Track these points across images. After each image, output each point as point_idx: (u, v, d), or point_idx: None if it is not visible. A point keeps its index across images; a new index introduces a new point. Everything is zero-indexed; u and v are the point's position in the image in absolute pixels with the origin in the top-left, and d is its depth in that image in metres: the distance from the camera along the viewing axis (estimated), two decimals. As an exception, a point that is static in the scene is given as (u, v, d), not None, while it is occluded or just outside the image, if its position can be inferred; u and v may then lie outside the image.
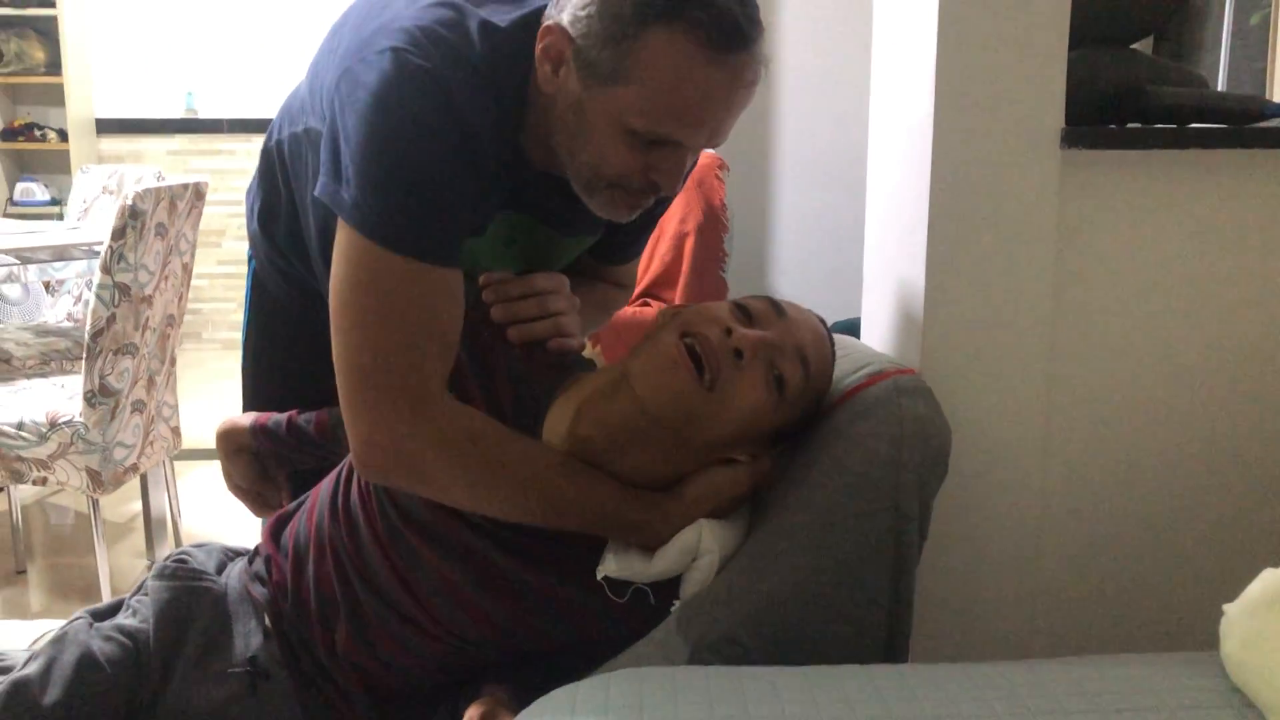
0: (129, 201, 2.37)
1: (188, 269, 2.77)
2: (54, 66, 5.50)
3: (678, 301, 3.16)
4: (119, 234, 2.37)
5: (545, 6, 1.17)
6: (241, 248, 5.76)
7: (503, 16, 1.18)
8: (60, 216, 5.40)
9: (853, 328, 1.68)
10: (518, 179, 1.24)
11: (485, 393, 1.20)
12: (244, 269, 4.92)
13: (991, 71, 1.25)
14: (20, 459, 2.49)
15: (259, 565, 1.31)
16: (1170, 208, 1.32)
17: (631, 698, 0.95)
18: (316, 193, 1.17)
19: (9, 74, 5.50)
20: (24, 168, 5.72)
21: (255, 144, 5.72)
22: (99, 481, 2.50)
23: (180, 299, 2.77)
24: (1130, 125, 1.39)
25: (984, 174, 1.27)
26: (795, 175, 3.63)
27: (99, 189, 3.58)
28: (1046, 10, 1.24)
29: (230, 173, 5.79)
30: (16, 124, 5.61)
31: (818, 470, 1.14)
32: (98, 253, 2.79)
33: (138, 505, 3.20)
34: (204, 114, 5.77)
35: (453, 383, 1.17)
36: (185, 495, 3.33)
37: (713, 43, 1.08)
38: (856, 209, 1.64)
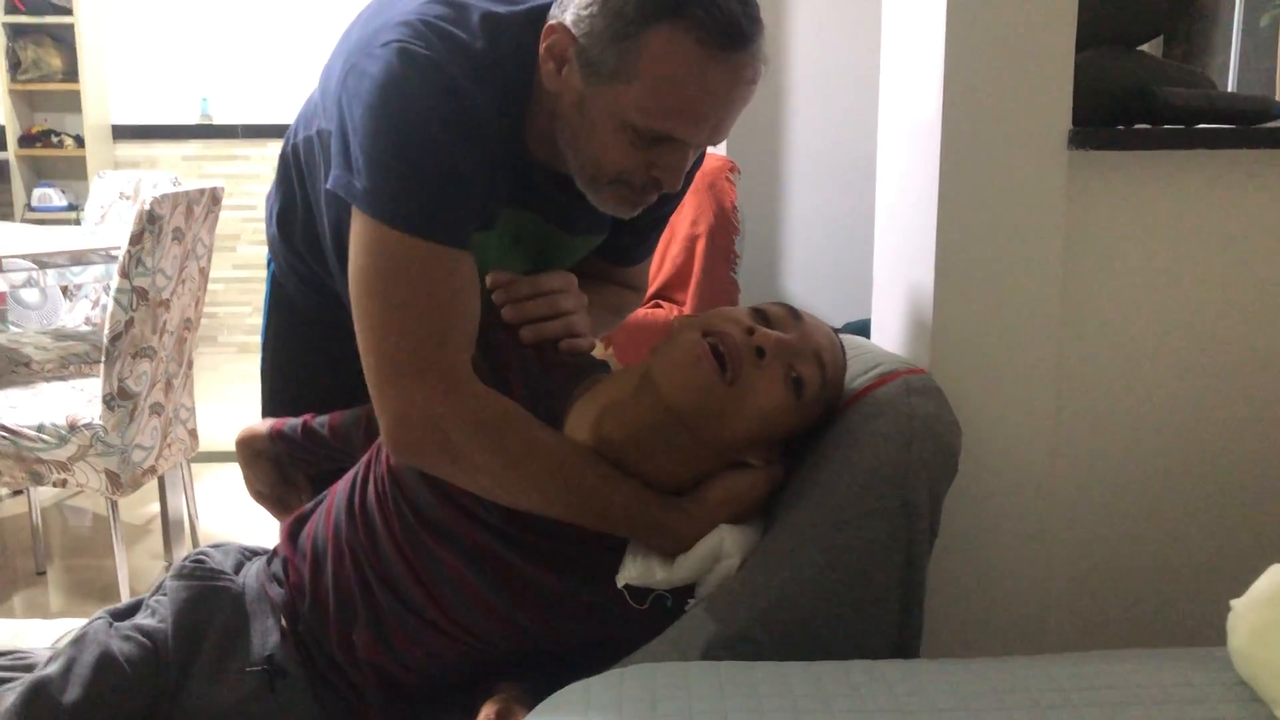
0: (146, 206, 2.39)
1: (204, 273, 2.79)
2: (71, 73, 5.54)
3: (689, 302, 3.17)
4: (137, 239, 2.40)
5: (549, 4, 1.19)
6: (256, 252, 5.82)
7: (504, 10, 1.20)
8: (77, 222, 5.44)
9: (863, 328, 1.69)
10: (521, 174, 1.26)
11: (501, 392, 1.21)
12: (259, 273, 4.97)
13: (999, 73, 1.26)
14: (40, 461, 2.51)
15: (276, 566, 1.33)
16: (1178, 208, 1.33)
17: (644, 693, 0.96)
18: (329, 185, 1.19)
19: (27, 81, 5.54)
20: (41, 173, 5.76)
21: (269, 149, 5.76)
22: (118, 483, 2.52)
23: (197, 303, 2.79)
24: (1138, 126, 1.39)
25: (992, 175, 1.28)
26: (805, 177, 3.63)
27: (116, 194, 3.60)
28: (1054, 12, 1.25)
29: (245, 178, 5.83)
30: (34, 130, 5.65)
31: (829, 469, 1.15)
32: (115, 257, 2.82)
33: (155, 507, 3.22)
34: (219, 120, 5.80)
35: None
36: (202, 497, 3.35)
37: (713, 41, 1.09)
38: (866, 210, 1.65)
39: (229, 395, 4.87)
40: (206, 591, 1.29)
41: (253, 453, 1.48)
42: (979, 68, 1.26)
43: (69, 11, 5.44)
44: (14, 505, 3.54)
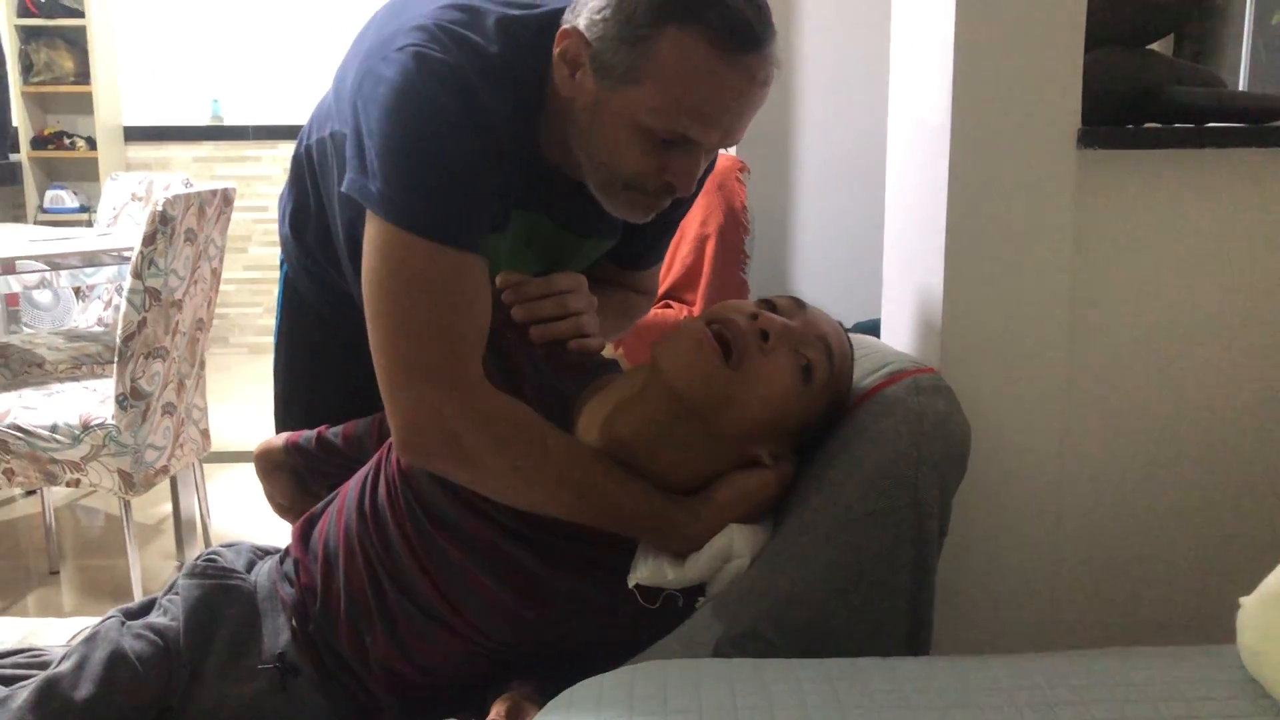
0: (159, 207, 2.40)
1: (216, 273, 2.81)
2: (83, 75, 5.57)
3: (698, 303, 3.18)
4: (149, 239, 2.41)
5: (563, 9, 1.19)
6: (267, 253, 5.84)
7: (519, 14, 1.21)
8: (89, 223, 5.47)
9: (873, 328, 1.69)
10: (535, 177, 1.26)
11: (512, 393, 1.22)
12: (270, 274, 4.98)
13: (1009, 72, 1.26)
14: (54, 461, 2.53)
15: (288, 566, 1.33)
16: (1188, 207, 1.33)
17: (655, 690, 0.96)
18: (344, 188, 1.19)
19: (39, 83, 5.58)
20: (54, 175, 5.79)
21: (280, 150, 5.78)
22: (130, 483, 2.54)
23: (209, 303, 2.81)
24: (1148, 125, 1.39)
25: (1002, 174, 1.28)
26: (815, 177, 3.64)
27: (128, 196, 3.62)
28: (1063, 11, 1.25)
29: (256, 179, 5.85)
30: (46, 132, 5.68)
31: (839, 467, 1.15)
32: (127, 258, 2.84)
33: (168, 507, 3.24)
34: (230, 121, 5.83)
35: None
36: (214, 497, 3.37)
37: (725, 43, 1.10)
38: (876, 210, 1.65)
39: (241, 396, 4.89)
40: (218, 590, 1.30)
41: (271, 465, 1.49)
42: (988, 67, 1.26)
43: (81, 14, 5.47)
44: (27, 505, 3.57)
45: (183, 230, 2.50)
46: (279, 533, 1.49)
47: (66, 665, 1.21)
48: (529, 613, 1.18)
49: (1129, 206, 1.32)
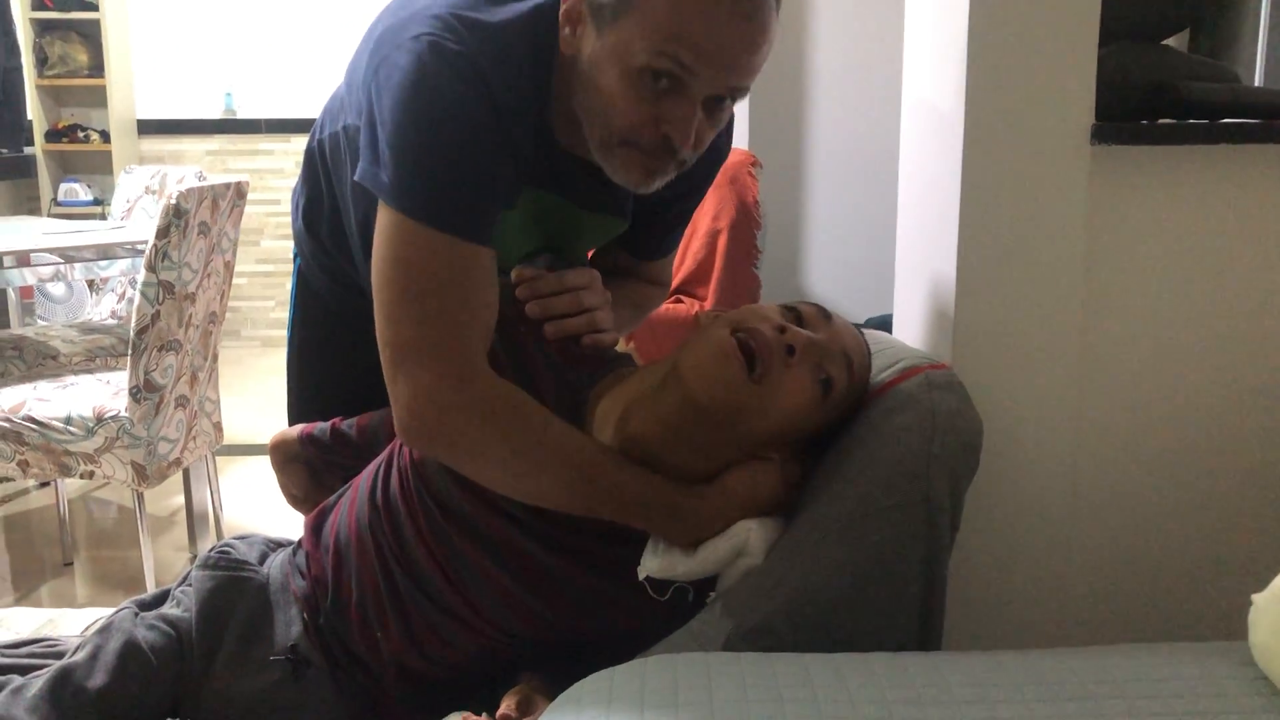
0: (173, 201, 2.41)
1: (229, 266, 2.82)
2: (96, 69, 5.60)
3: (710, 298, 3.18)
4: (163, 233, 2.42)
5: None
6: (279, 246, 5.86)
7: None
8: (103, 216, 5.49)
9: (884, 324, 1.69)
10: (546, 157, 1.26)
11: (526, 387, 1.22)
12: (282, 267, 5.00)
13: (1022, 68, 1.26)
14: (68, 453, 2.54)
15: (300, 558, 1.34)
16: (1201, 203, 1.33)
17: (667, 683, 0.97)
18: (356, 177, 1.20)
19: (53, 76, 5.60)
20: (68, 168, 5.82)
21: (293, 144, 5.80)
22: (143, 475, 2.55)
23: (222, 296, 2.82)
24: (1162, 121, 1.39)
25: (1015, 170, 1.28)
26: (828, 172, 3.63)
27: (141, 189, 3.64)
28: (1077, 6, 1.25)
29: (268, 172, 5.87)
30: (60, 125, 5.71)
31: (851, 463, 1.15)
32: (141, 251, 2.85)
33: (180, 499, 3.26)
34: (243, 114, 5.85)
35: None
36: (226, 489, 3.38)
37: None
38: (888, 205, 1.65)
39: (253, 389, 4.91)
40: (230, 582, 1.31)
41: (285, 458, 1.50)
42: (1002, 62, 1.26)
43: (95, 7, 5.50)
44: (41, 497, 3.59)
45: (196, 223, 2.51)
46: (291, 525, 1.50)
47: (81, 655, 1.22)
48: (540, 605, 1.19)
49: (1142, 202, 1.32)
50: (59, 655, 1.32)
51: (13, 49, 5.12)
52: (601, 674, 1.00)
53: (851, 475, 1.15)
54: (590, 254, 1.52)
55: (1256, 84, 2.28)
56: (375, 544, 1.25)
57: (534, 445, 1.15)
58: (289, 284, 1.63)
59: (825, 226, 3.67)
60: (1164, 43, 1.46)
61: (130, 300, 3.58)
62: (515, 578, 1.18)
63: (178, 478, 2.89)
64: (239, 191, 2.74)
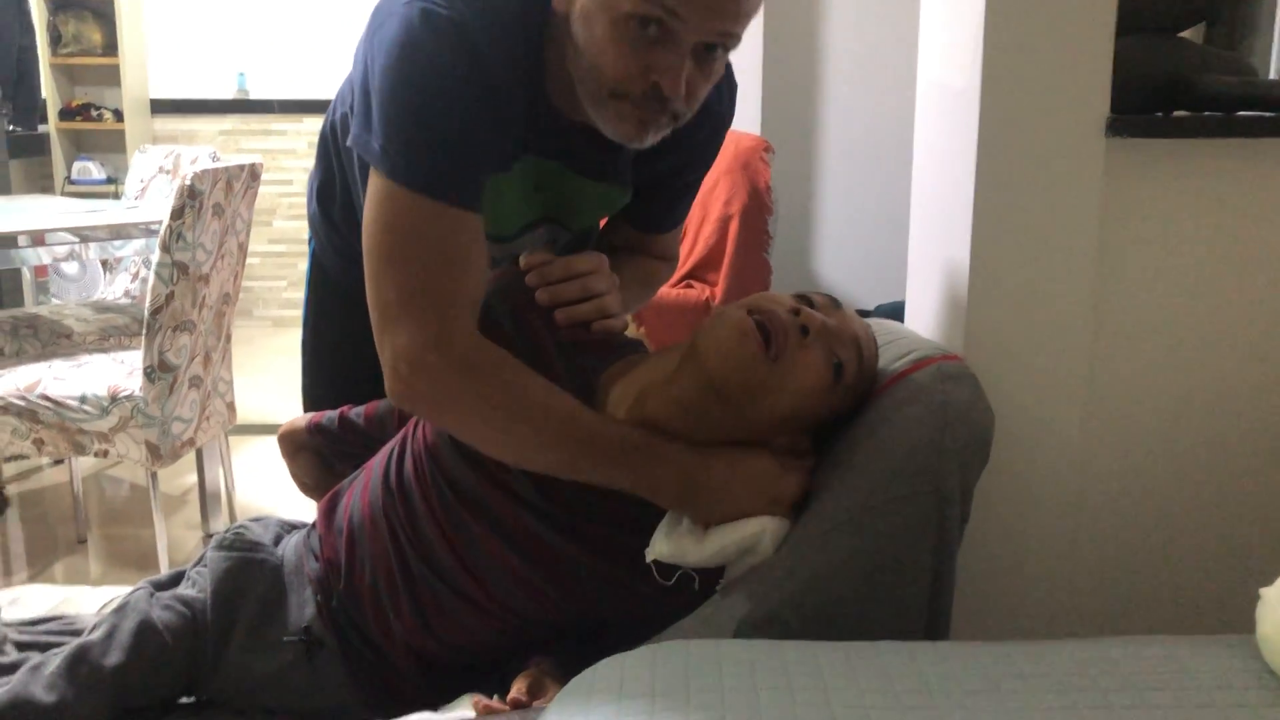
0: (187, 182, 2.42)
1: (243, 247, 2.83)
2: (110, 48, 5.60)
3: (721, 283, 3.18)
4: (178, 214, 2.43)
5: None
6: (292, 227, 5.87)
7: None
8: (116, 195, 5.50)
9: (896, 311, 1.69)
10: (545, 123, 1.26)
11: (540, 371, 1.23)
12: (295, 247, 5.00)
13: (1038, 60, 1.26)
14: (82, 432, 2.56)
15: (314, 540, 1.35)
16: (1216, 197, 1.32)
17: (677, 669, 0.98)
18: (349, 142, 1.22)
19: (67, 55, 5.61)
20: (81, 147, 5.83)
21: (305, 124, 5.80)
22: (157, 454, 2.57)
23: (236, 277, 2.83)
24: (1177, 114, 1.39)
25: (1029, 162, 1.28)
26: (840, 157, 3.62)
27: (155, 169, 3.65)
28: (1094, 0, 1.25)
29: (281, 153, 5.87)
30: (74, 104, 5.72)
31: (862, 454, 1.16)
32: (155, 232, 2.86)
33: (193, 478, 3.28)
34: (255, 95, 5.85)
35: None
36: (239, 468, 3.40)
37: None
38: (900, 191, 1.65)
39: (265, 368, 4.93)
40: (245, 563, 1.32)
41: (294, 446, 1.51)
42: (1018, 53, 1.26)
43: (109, -14, 5.50)
44: (55, 474, 3.61)
45: (210, 204, 2.51)
46: (303, 505, 1.51)
47: (97, 634, 1.23)
48: (552, 589, 1.20)
49: (1156, 195, 1.32)
50: (75, 633, 1.33)
51: (27, 27, 5.13)
52: (612, 660, 1.01)
53: (862, 466, 1.15)
54: (602, 223, 1.52)
55: (1272, 77, 2.27)
56: (389, 526, 1.26)
57: (514, 404, 1.16)
58: (301, 265, 1.64)
59: (837, 212, 3.67)
60: (1179, 35, 1.46)
61: (144, 280, 3.59)
62: (527, 561, 1.19)
63: (191, 456, 2.90)
64: (253, 173, 2.74)
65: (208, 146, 4.00)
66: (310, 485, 1.52)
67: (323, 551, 1.32)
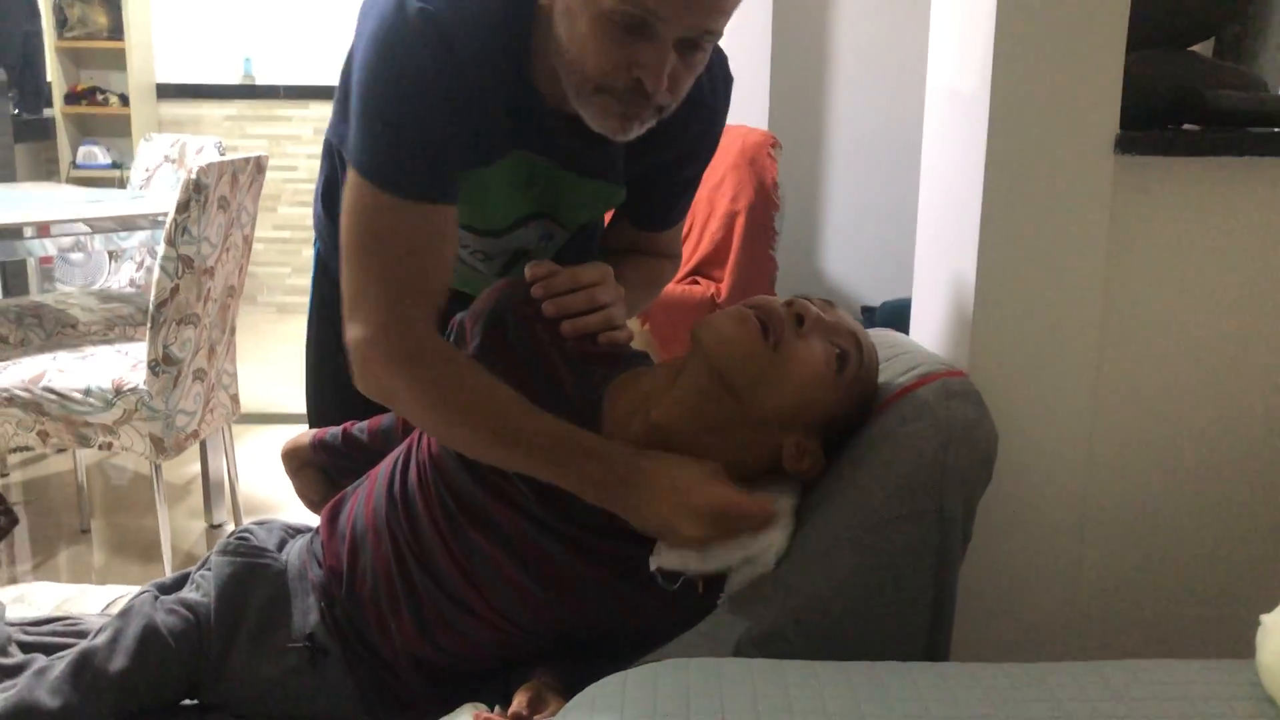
0: (193, 176, 2.42)
1: (248, 240, 2.83)
2: (116, 32, 5.59)
3: (727, 279, 3.18)
4: (183, 207, 2.43)
5: None
6: (296, 213, 5.87)
7: None
8: (121, 180, 5.50)
9: (902, 308, 1.69)
10: (532, 117, 1.27)
11: (544, 384, 1.23)
12: (299, 234, 5.00)
13: (1048, 75, 1.25)
14: (87, 424, 2.57)
15: (317, 546, 1.35)
16: (1225, 215, 1.32)
17: (679, 688, 0.98)
18: (327, 134, 1.26)
19: (73, 39, 5.59)
20: (86, 131, 5.82)
21: (311, 110, 5.79)
22: (161, 447, 2.58)
23: (240, 270, 2.83)
24: (1187, 131, 1.38)
25: (1038, 177, 1.28)
26: (847, 154, 3.62)
27: (161, 157, 3.65)
28: (1104, 14, 1.24)
29: (286, 139, 5.87)
30: (79, 88, 5.71)
31: (865, 470, 1.16)
32: (161, 223, 2.86)
33: (196, 467, 3.28)
34: (261, 80, 5.84)
35: (510, 376, 1.21)
36: (242, 457, 3.41)
37: None
38: (907, 189, 1.64)
39: (269, 356, 4.93)
40: (249, 569, 1.32)
41: (298, 464, 1.52)
42: (1027, 67, 1.25)
43: (115, -30, 5.49)
44: (59, 462, 3.62)
45: (216, 198, 2.51)
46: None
47: (101, 639, 1.24)
48: (554, 602, 1.20)
49: (1165, 213, 1.31)
50: (79, 634, 1.34)
51: (33, 13, 5.12)
52: (614, 679, 1.02)
53: (865, 483, 1.15)
54: (608, 218, 1.53)
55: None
56: (391, 536, 1.27)
57: (452, 399, 1.20)
58: (306, 251, 1.64)
59: (844, 210, 3.66)
60: (1190, 49, 1.45)
61: (149, 269, 3.60)
62: (528, 572, 1.19)
63: (194, 445, 2.91)
64: (258, 166, 2.74)
65: (213, 136, 4.00)
66: (315, 501, 1.52)
67: (325, 558, 1.33)
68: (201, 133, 5.77)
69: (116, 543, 3.07)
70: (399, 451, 1.33)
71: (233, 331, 2.88)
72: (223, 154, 3.43)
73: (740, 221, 3.17)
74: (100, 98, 5.69)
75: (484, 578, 1.21)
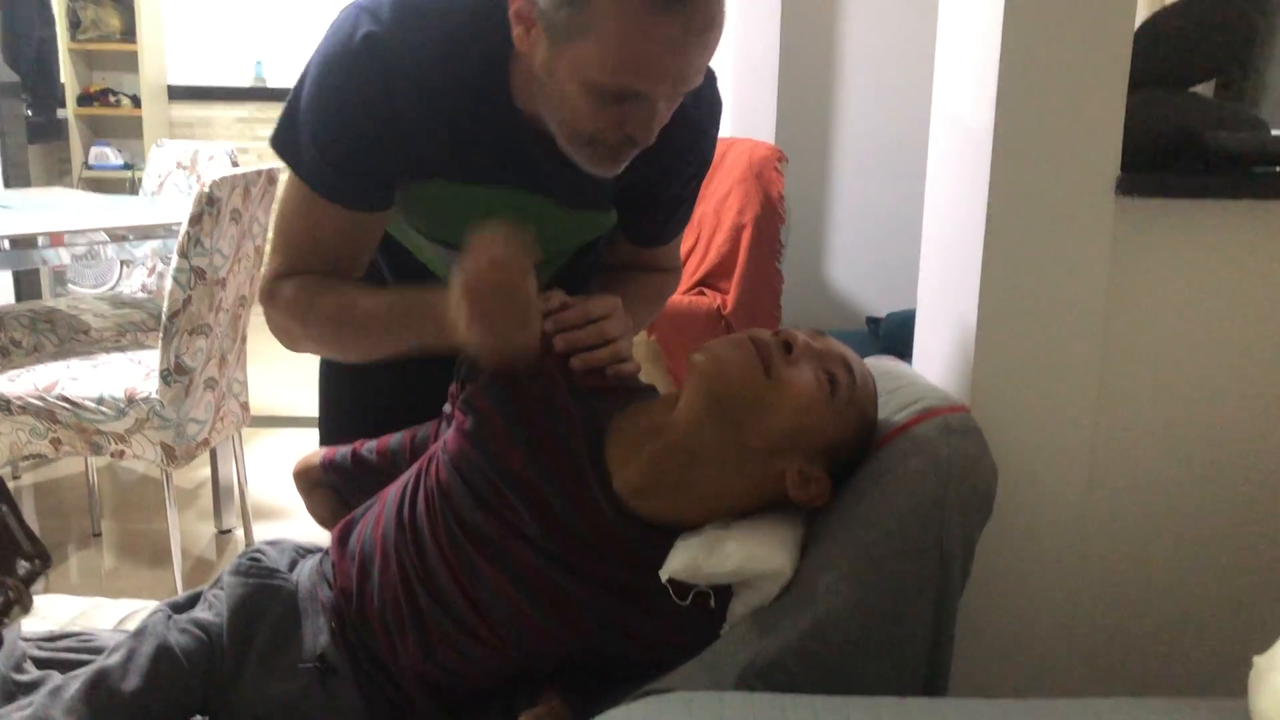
0: (206, 189, 2.45)
1: (259, 251, 2.85)
2: (129, 34, 5.62)
3: (732, 291, 3.19)
4: (196, 220, 2.45)
5: None
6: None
7: None
8: (133, 181, 5.53)
9: (906, 320, 1.70)
10: (512, 141, 1.31)
11: (553, 417, 1.25)
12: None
13: (1050, 116, 1.27)
14: (99, 432, 2.60)
15: (327, 566, 1.38)
16: (1225, 256, 1.33)
17: (681, 722, 1.00)
18: (271, 135, 1.37)
19: (86, 40, 5.62)
20: (99, 132, 5.85)
21: (322, 114, 5.78)
22: (172, 456, 2.60)
23: (251, 280, 2.85)
24: (1188, 174, 1.39)
25: (1039, 218, 1.29)
26: (853, 168, 3.63)
27: (173, 164, 3.67)
28: (1107, 55, 1.25)
29: (296, 141, 5.88)
30: (92, 90, 5.74)
31: (866, 505, 1.18)
32: (174, 231, 2.89)
33: (207, 471, 3.31)
34: (272, 83, 5.87)
35: (518, 408, 1.23)
36: (252, 462, 3.43)
37: None
38: (912, 202, 1.65)
39: (279, 359, 4.95)
40: (261, 589, 1.34)
41: (310, 484, 1.54)
42: (1030, 108, 1.27)
43: (128, -28, 5.51)
44: (70, 464, 3.65)
45: (228, 211, 2.54)
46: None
47: (115, 658, 1.26)
48: (561, 630, 1.22)
49: (1166, 255, 1.32)
50: (93, 650, 1.36)
51: (47, 20, 5.15)
52: (616, 713, 1.03)
53: (865, 517, 1.17)
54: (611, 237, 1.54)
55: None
56: (398, 560, 1.28)
57: (315, 323, 1.37)
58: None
59: (849, 223, 3.67)
60: (1192, 90, 1.46)
61: (161, 275, 3.62)
62: (536, 603, 1.21)
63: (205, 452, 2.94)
64: (270, 178, 2.77)
65: (224, 141, 4.02)
66: (328, 519, 1.54)
67: (336, 579, 1.35)
68: (212, 134, 5.80)
69: (127, 546, 3.10)
70: (408, 476, 1.35)
71: (244, 340, 2.90)
72: (235, 163, 3.46)
73: (746, 234, 3.19)
74: (112, 99, 5.72)
75: (489, 604, 1.23)
